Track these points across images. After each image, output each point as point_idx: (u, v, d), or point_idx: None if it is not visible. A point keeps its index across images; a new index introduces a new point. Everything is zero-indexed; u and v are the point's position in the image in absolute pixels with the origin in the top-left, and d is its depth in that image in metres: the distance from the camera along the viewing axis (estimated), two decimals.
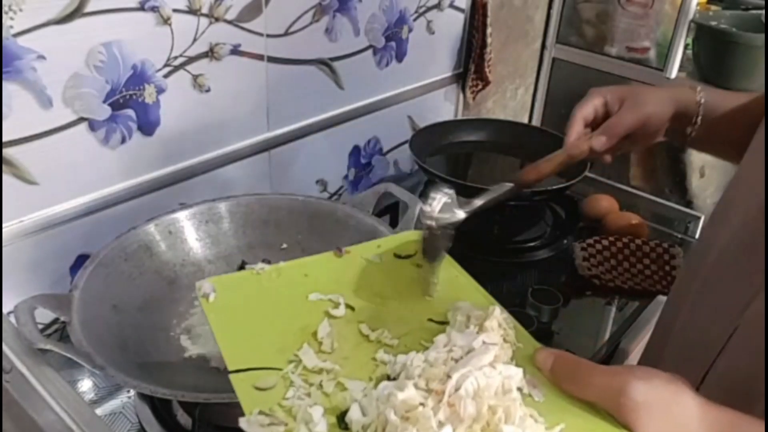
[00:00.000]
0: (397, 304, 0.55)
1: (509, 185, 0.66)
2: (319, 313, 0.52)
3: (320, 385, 0.45)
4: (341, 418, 0.43)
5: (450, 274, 0.59)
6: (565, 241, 1.08)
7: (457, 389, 0.41)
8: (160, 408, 0.73)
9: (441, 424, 0.39)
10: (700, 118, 0.68)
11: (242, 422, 0.42)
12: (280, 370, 0.46)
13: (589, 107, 0.69)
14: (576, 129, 0.69)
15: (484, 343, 0.46)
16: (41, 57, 0.73)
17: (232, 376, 0.46)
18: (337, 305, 0.54)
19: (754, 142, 0.57)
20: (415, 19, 1.20)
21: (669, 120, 0.68)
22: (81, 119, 0.79)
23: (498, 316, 0.49)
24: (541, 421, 0.41)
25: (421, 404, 0.40)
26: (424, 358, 0.45)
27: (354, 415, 0.42)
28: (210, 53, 0.89)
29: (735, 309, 0.51)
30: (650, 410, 0.39)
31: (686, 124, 0.68)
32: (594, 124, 0.70)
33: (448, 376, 0.42)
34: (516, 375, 0.43)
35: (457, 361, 0.44)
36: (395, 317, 0.53)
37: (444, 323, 0.52)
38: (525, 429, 0.40)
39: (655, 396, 0.40)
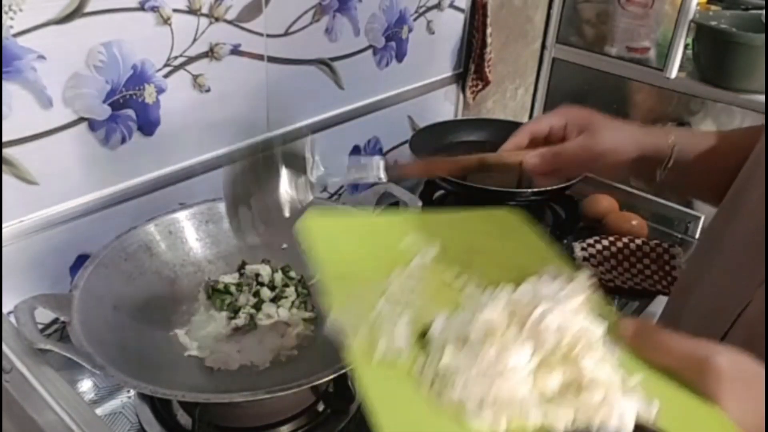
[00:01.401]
0: (483, 264, 0.55)
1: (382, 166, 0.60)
2: (409, 258, 0.54)
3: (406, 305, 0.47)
4: (422, 335, 0.44)
5: (538, 246, 0.59)
6: (565, 241, 1.08)
7: (540, 321, 0.41)
8: (160, 408, 0.73)
9: (521, 347, 0.39)
10: (671, 162, 0.63)
11: (334, 311, 0.44)
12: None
13: (543, 124, 0.64)
14: (516, 140, 0.64)
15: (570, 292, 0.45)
16: (41, 57, 0.73)
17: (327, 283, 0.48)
18: (425, 254, 0.55)
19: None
20: (415, 19, 1.20)
21: (632, 162, 0.63)
22: (81, 119, 0.79)
23: (585, 280, 0.48)
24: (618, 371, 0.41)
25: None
26: (510, 293, 0.45)
27: (437, 328, 0.43)
28: (210, 53, 0.89)
29: (749, 287, 0.51)
30: (734, 383, 0.39)
31: (655, 168, 0.63)
32: (547, 143, 0.64)
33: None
34: (598, 328, 0.42)
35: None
36: (480, 273, 0.53)
37: None
38: (604, 368, 0.39)
39: (739, 370, 0.39)
